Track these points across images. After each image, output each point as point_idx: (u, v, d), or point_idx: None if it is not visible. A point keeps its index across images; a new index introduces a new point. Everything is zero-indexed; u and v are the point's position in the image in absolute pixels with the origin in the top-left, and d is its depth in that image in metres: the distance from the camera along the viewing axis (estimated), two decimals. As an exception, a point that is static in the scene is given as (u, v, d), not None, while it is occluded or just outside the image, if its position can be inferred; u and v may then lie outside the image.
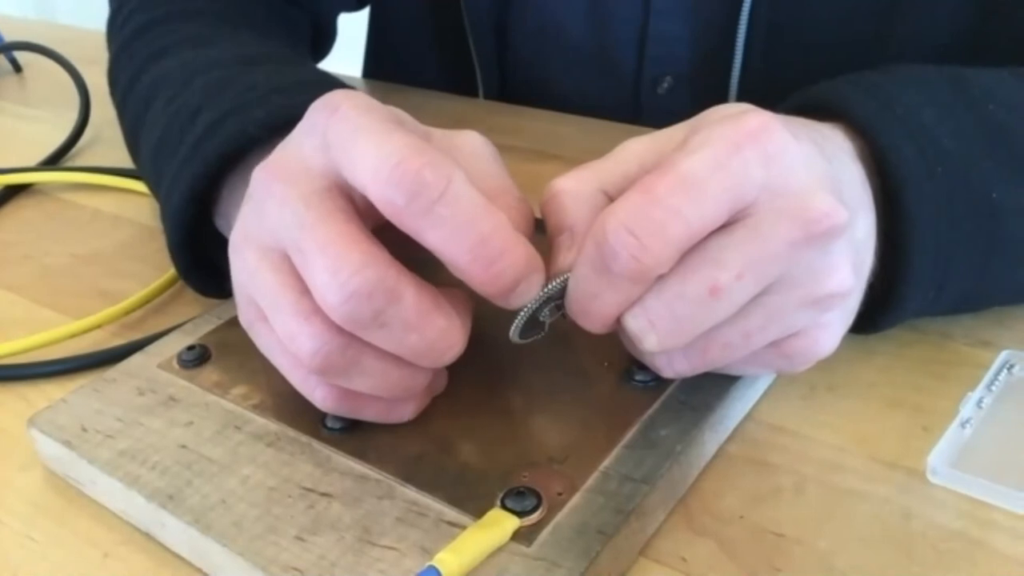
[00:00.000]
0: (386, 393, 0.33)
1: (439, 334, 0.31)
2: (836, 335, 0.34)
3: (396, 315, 0.30)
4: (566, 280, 0.32)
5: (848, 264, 0.32)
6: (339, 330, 0.31)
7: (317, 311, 0.31)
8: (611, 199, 0.32)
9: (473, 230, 0.29)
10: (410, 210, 0.29)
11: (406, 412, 0.35)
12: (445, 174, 0.29)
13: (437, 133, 0.35)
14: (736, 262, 0.30)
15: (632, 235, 0.29)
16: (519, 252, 0.30)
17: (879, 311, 0.37)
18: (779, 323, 0.32)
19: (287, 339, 0.31)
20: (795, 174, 0.30)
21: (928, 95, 0.38)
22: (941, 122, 0.37)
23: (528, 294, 0.31)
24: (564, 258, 0.33)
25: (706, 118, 0.33)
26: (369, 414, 0.34)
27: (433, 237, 0.29)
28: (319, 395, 0.33)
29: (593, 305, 0.32)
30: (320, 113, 0.32)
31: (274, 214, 0.31)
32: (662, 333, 0.31)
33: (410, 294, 0.30)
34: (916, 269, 0.36)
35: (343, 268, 0.29)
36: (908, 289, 0.36)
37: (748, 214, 0.30)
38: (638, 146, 0.34)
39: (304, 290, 0.31)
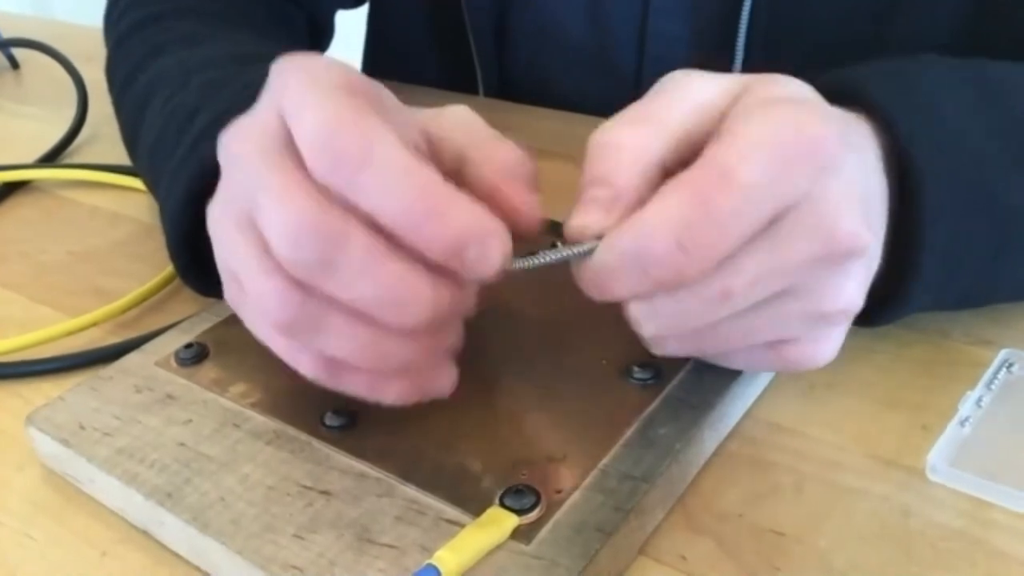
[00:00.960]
0: (360, 359, 0.31)
1: (394, 279, 0.29)
2: (835, 346, 0.34)
3: (345, 259, 0.29)
4: (592, 249, 0.31)
5: (861, 284, 0.33)
6: (298, 284, 0.30)
7: (277, 267, 0.30)
8: (665, 167, 0.31)
9: (396, 197, 0.29)
10: (338, 179, 0.29)
11: (390, 391, 0.33)
12: (368, 138, 0.29)
13: (424, 111, 0.35)
14: (753, 270, 0.30)
15: (682, 250, 0.29)
16: (452, 215, 0.29)
17: (882, 307, 0.37)
18: (781, 328, 0.33)
19: (255, 299, 0.31)
20: (836, 190, 0.30)
21: (952, 89, 0.38)
22: (964, 119, 0.37)
23: (488, 260, 0.29)
24: (595, 218, 0.31)
25: (760, 89, 0.32)
26: (353, 385, 0.33)
27: (365, 204, 0.29)
28: (303, 362, 0.32)
29: (609, 285, 0.31)
30: (276, 79, 0.32)
31: (237, 178, 0.32)
32: (663, 324, 0.32)
33: (358, 236, 0.29)
34: (924, 269, 0.36)
35: (290, 211, 0.29)
36: (914, 288, 0.36)
37: (777, 219, 0.30)
38: (698, 97, 0.32)
39: (266, 246, 0.31)
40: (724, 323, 0.32)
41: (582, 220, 0.31)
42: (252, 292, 0.31)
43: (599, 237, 0.31)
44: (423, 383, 0.33)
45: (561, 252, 0.31)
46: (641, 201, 0.30)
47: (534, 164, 0.34)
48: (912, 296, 0.37)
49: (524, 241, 0.32)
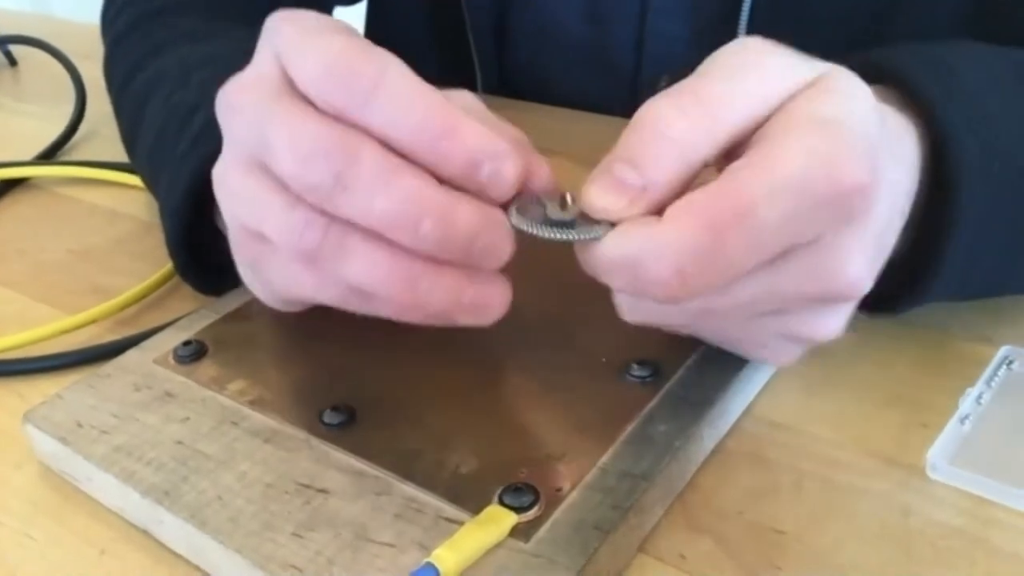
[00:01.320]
0: (383, 288, 0.30)
1: (407, 194, 0.29)
2: (799, 355, 0.35)
3: (358, 174, 0.29)
4: (597, 237, 0.29)
5: (846, 318, 0.33)
6: (318, 210, 0.30)
7: (296, 200, 0.30)
8: (711, 162, 0.30)
9: (414, 110, 0.29)
10: (350, 104, 0.29)
11: (424, 310, 0.31)
12: (379, 64, 0.29)
13: None
14: (743, 296, 0.30)
15: (680, 277, 0.28)
16: (466, 130, 0.29)
17: (898, 297, 0.36)
18: (754, 337, 0.34)
19: (279, 235, 0.31)
20: (852, 236, 0.30)
21: (993, 81, 0.37)
22: (1004, 112, 0.36)
23: (503, 178, 0.30)
24: (617, 204, 0.29)
25: (816, 98, 0.30)
26: (384, 311, 0.32)
27: (378, 127, 0.29)
28: (334, 294, 0.32)
29: (600, 273, 0.30)
30: (270, 30, 0.32)
31: (242, 125, 0.32)
32: (643, 318, 0.33)
33: (370, 150, 0.29)
34: (947, 265, 0.35)
35: (297, 135, 0.29)
36: (934, 282, 0.36)
37: (784, 253, 0.29)
38: (768, 87, 0.30)
39: (282, 185, 0.31)
40: (701, 326, 0.33)
41: (604, 201, 0.29)
42: (275, 228, 0.31)
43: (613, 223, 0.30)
44: (467, 298, 0.31)
45: (568, 234, 0.30)
46: (671, 195, 0.29)
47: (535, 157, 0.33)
48: (931, 290, 0.36)
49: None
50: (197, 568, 0.33)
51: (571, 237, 0.30)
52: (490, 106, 0.34)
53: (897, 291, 0.36)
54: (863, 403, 0.38)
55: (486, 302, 0.31)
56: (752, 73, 0.30)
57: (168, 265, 0.48)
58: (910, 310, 0.38)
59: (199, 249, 0.44)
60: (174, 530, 0.33)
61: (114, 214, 0.58)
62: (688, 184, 0.30)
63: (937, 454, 0.34)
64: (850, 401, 0.38)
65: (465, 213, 0.29)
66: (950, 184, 0.35)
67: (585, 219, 0.30)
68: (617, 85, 0.69)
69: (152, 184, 0.49)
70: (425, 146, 0.29)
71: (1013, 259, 0.38)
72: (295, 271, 0.32)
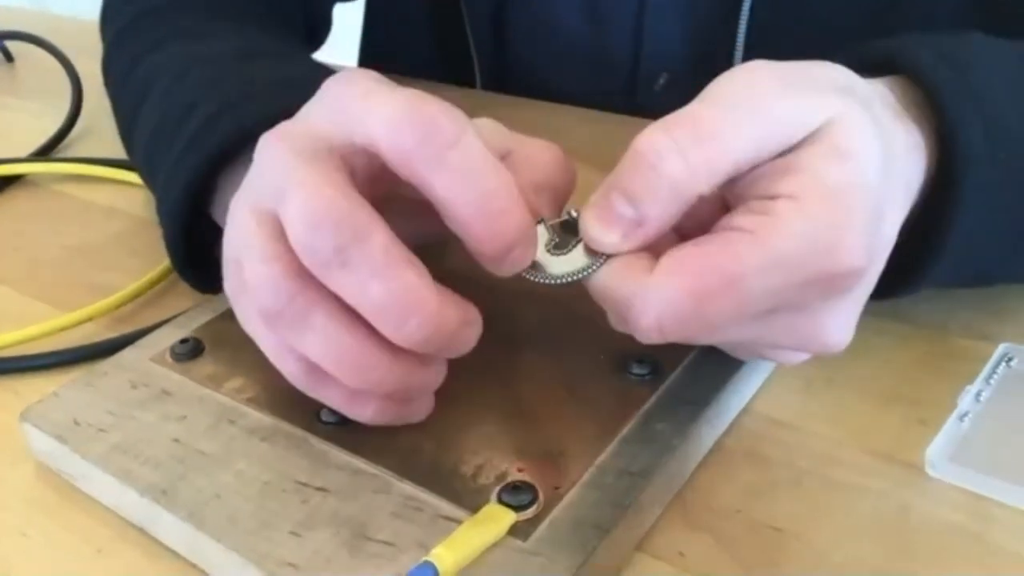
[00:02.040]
0: (338, 366, 0.31)
1: (405, 289, 0.29)
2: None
3: (361, 255, 0.29)
4: (594, 271, 0.31)
5: (814, 355, 0.34)
6: (296, 275, 0.30)
7: (280, 256, 0.30)
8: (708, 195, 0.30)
9: (481, 181, 0.29)
10: (421, 153, 0.29)
11: (366, 410, 0.32)
12: (460, 123, 0.29)
13: None
14: (731, 337, 0.31)
15: (662, 332, 0.29)
16: (521, 215, 0.30)
17: (895, 282, 0.36)
18: (747, 353, 0.35)
19: (250, 284, 0.31)
20: (838, 304, 0.30)
21: (1001, 69, 0.37)
22: (1013, 102, 0.36)
23: (521, 263, 0.31)
24: (612, 239, 0.30)
25: (825, 155, 0.29)
26: (331, 397, 0.33)
27: (440, 184, 0.29)
28: (288, 364, 0.32)
29: (595, 298, 0.32)
30: (332, 86, 0.33)
31: (268, 171, 0.32)
32: (626, 331, 0.32)
33: (380, 237, 0.29)
34: (948, 252, 0.35)
35: (315, 199, 0.29)
36: (933, 268, 0.36)
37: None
38: (774, 122, 0.29)
39: (278, 236, 0.30)
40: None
41: (600, 234, 0.30)
42: (249, 276, 0.31)
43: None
44: (399, 408, 0.33)
45: (569, 277, 0.31)
46: (667, 228, 0.30)
47: (573, 164, 0.34)
48: (928, 276, 0.36)
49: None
50: (195, 566, 0.33)
51: (572, 277, 0.31)
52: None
53: (894, 277, 0.35)
54: (862, 401, 0.38)
55: (427, 389, 0.33)
56: (757, 113, 0.29)
57: (165, 262, 0.48)
58: (907, 295, 0.37)
59: (197, 246, 0.44)
60: (171, 529, 0.33)
61: (111, 211, 0.58)
62: (683, 213, 0.30)
63: (936, 452, 0.34)
64: (849, 399, 0.38)
65: (451, 316, 0.30)
66: (956, 174, 0.34)
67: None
68: (615, 82, 0.69)
69: (149, 180, 0.49)
70: (480, 220, 0.29)
71: (1013, 248, 0.38)
72: (258, 325, 0.33)
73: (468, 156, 0.29)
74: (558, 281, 0.31)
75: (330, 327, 0.30)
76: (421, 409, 0.34)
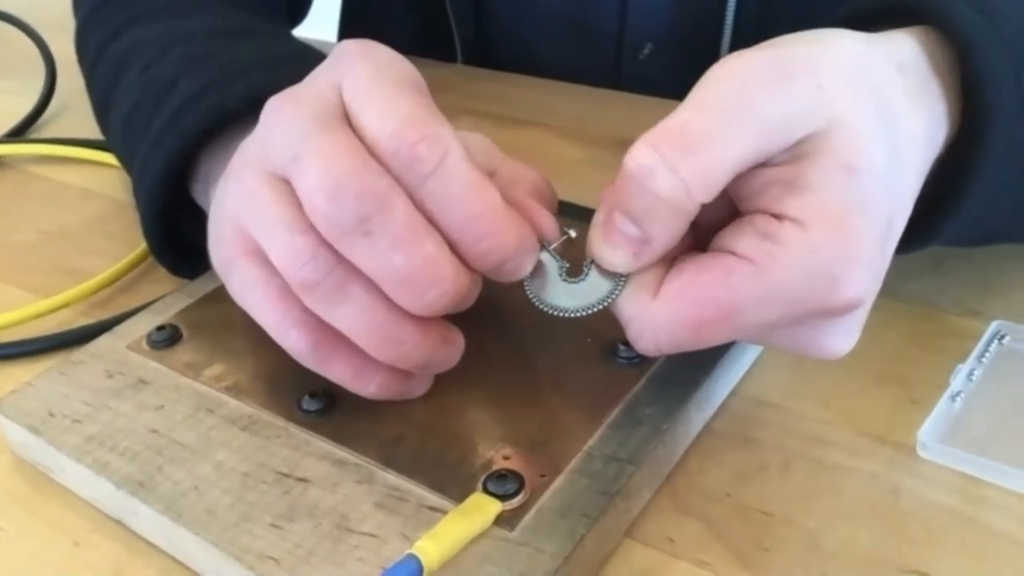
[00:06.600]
0: (365, 338, 0.30)
1: (425, 260, 0.29)
2: None
3: (384, 226, 0.28)
4: (619, 293, 0.31)
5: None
6: (329, 246, 0.30)
7: (310, 227, 0.30)
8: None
9: (461, 209, 0.29)
10: (404, 181, 0.29)
11: (370, 384, 0.32)
12: (441, 148, 0.29)
13: None
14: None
15: (660, 351, 0.30)
16: (507, 233, 0.30)
17: (908, 238, 0.34)
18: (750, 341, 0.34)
19: (279, 255, 0.30)
20: (838, 323, 0.30)
21: None
22: None
23: (520, 271, 0.31)
24: (622, 260, 0.30)
25: (828, 166, 0.28)
26: (337, 371, 0.32)
27: (425, 208, 0.29)
28: (293, 336, 0.31)
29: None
30: (340, 58, 0.32)
31: (279, 134, 0.31)
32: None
33: (402, 207, 0.29)
34: (967, 207, 0.34)
35: (335, 167, 0.29)
36: (951, 222, 0.35)
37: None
38: (769, 121, 0.28)
39: (297, 204, 0.30)
40: None
41: (611, 256, 0.30)
42: (279, 248, 0.30)
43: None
44: (402, 383, 0.33)
45: (599, 305, 0.31)
46: (676, 240, 0.29)
47: (553, 196, 0.35)
48: (944, 232, 0.35)
49: None
50: (173, 559, 0.32)
51: (602, 306, 0.31)
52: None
53: (908, 233, 0.33)
54: (852, 380, 0.37)
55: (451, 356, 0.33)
56: (749, 116, 0.28)
57: (142, 245, 0.47)
58: (918, 251, 0.36)
59: (175, 229, 0.43)
60: (149, 521, 0.32)
61: (87, 193, 0.57)
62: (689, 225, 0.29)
63: (928, 433, 0.34)
64: (839, 378, 0.37)
65: (466, 287, 0.30)
66: (981, 125, 0.33)
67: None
68: (600, 53, 0.68)
69: (125, 157, 0.48)
70: (466, 243, 0.29)
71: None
72: (262, 301, 0.32)
73: (449, 185, 0.29)
74: (591, 311, 0.31)
75: (366, 299, 0.30)
76: (421, 385, 0.34)
